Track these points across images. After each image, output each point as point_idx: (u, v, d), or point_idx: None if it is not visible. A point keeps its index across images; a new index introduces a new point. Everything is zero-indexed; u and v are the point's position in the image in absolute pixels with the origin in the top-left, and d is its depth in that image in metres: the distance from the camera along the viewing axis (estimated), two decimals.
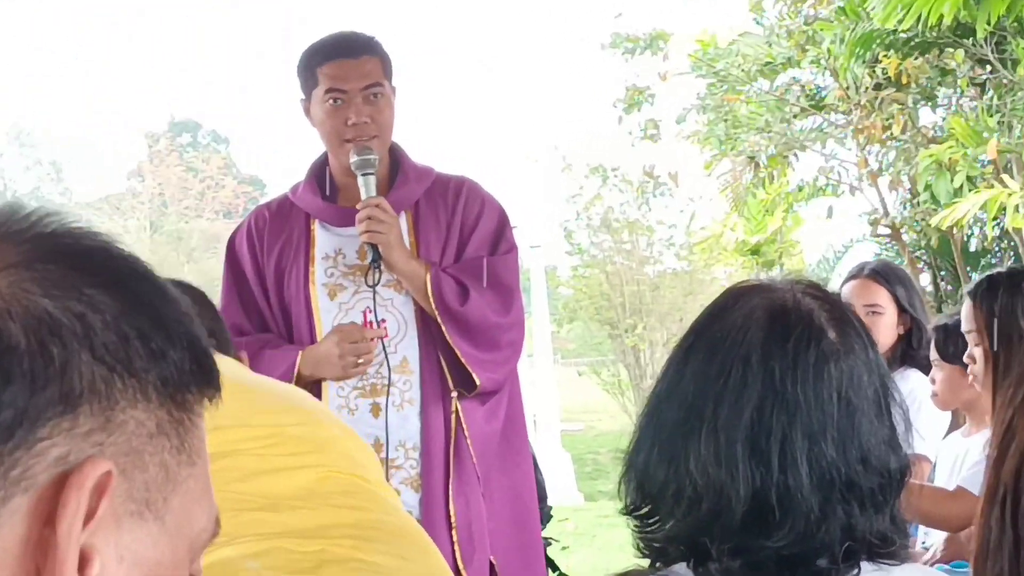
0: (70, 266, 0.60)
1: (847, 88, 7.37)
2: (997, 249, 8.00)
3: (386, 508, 1.56)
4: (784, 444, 1.16)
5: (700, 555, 1.18)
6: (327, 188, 2.80)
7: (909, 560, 1.25)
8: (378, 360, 2.67)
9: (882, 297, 3.34)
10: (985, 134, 6.56)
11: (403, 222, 2.72)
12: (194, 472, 0.64)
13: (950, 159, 6.61)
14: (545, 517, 4.06)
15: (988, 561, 1.89)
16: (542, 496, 3.59)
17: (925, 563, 2.63)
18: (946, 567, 2.70)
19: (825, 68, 7.76)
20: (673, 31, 9.30)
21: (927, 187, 6.88)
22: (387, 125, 2.72)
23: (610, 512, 9.42)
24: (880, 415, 1.21)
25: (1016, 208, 6.24)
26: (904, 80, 7.00)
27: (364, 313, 2.70)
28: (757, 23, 8.48)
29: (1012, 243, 7.47)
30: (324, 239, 2.76)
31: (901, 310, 3.34)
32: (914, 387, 3.13)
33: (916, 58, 6.97)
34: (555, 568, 4.30)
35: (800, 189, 8.73)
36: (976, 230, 7.91)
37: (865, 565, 1.19)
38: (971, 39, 6.51)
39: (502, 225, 2.79)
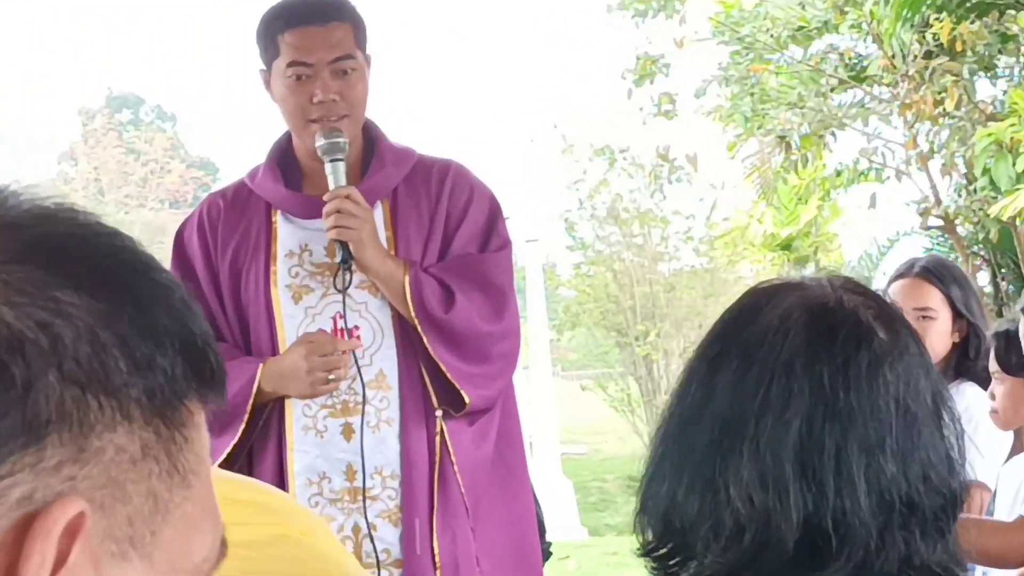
0: (38, 264, 0.59)
1: (892, 57, 7.38)
2: None
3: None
4: (839, 461, 1.16)
5: None
6: (291, 173, 2.79)
7: None
8: (350, 374, 2.67)
9: (934, 299, 3.35)
10: None
11: (379, 214, 2.72)
12: (190, 494, 0.63)
13: (1012, 139, 6.61)
14: (544, 554, 4.06)
15: None
16: (540, 531, 3.59)
17: None
18: None
19: (867, 33, 7.77)
20: None
21: (985, 171, 6.88)
22: (359, 102, 2.71)
23: (618, 549, 9.43)
24: (939, 425, 1.21)
25: None
26: (959, 47, 7.01)
27: (334, 319, 2.70)
28: None
29: None
30: (287, 233, 2.76)
31: (956, 314, 3.35)
32: (970, 403, 3.13)
33: (972, 22, 6.98)
34: None
35: (838, 174, 8.74)
36: None
37: None
38: None
39: (494, 216, 2.79)
